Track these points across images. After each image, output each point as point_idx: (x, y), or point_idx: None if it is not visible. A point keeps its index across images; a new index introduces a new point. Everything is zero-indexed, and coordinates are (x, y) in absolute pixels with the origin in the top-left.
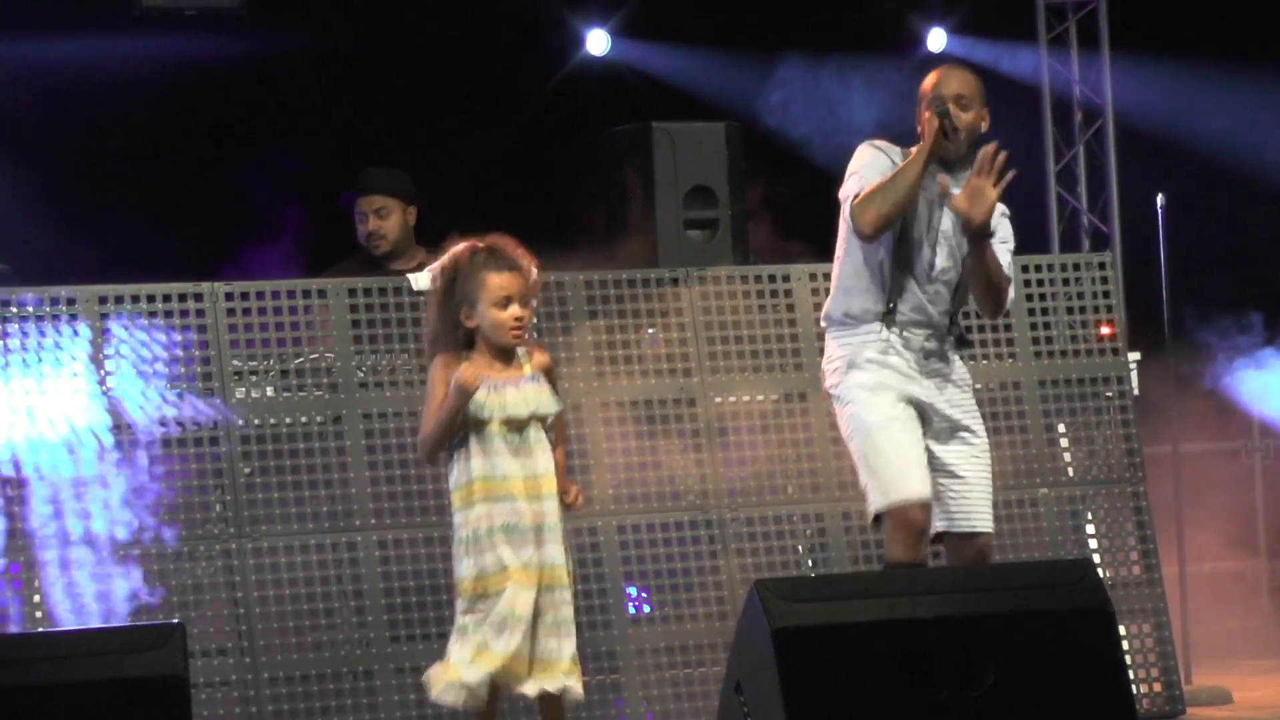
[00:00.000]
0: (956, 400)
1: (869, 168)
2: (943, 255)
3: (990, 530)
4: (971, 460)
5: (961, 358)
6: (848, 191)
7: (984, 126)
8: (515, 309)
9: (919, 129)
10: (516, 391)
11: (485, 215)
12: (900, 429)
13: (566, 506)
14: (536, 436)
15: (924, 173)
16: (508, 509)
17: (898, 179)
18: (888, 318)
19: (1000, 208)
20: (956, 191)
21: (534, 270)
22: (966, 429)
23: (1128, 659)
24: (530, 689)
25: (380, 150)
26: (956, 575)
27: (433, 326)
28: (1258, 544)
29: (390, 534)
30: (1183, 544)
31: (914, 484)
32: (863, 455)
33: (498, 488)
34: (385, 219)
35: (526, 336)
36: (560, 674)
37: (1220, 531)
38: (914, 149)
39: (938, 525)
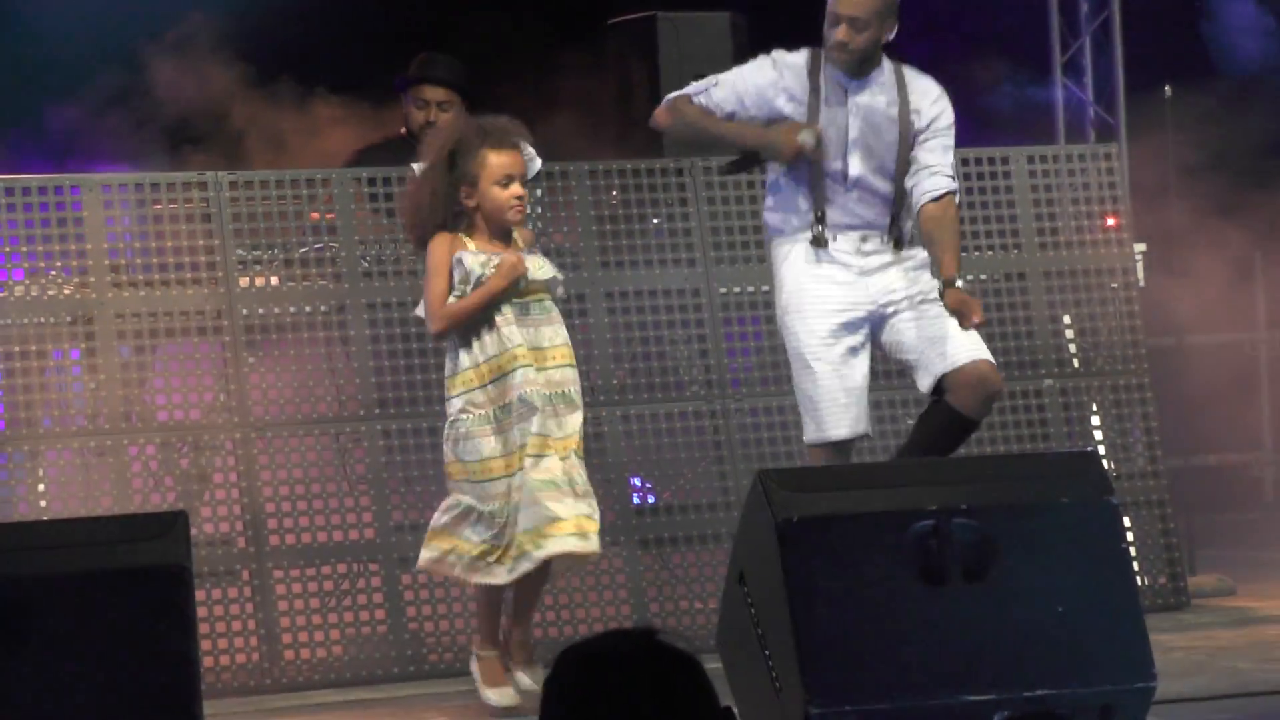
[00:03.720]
0: (908, 283)
1: (739, 78)
2: (855, 163)
3: (981, 356)
4: (938, 313)
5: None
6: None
7: (890, 36)
8: (516, 188)
9: (824, 36)
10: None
11: (487, 102)
12: (830, 366)
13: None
14: (544, 308)
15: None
16: (522, 379)
17: (710, 130)
18: (817, 226)
19: (933, 94)
20: (859, 99)
21: (532, 151)
22: (926, 298)
23: (1132, 551)
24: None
25: (384, 35)
26: (961, 466)
27: (425, 204)
28: (1262, 437)
29: (394, 424)
30: (1187, 436)
31: (840, 426)
32: (797, 384)
33: (513, 359)
34: (445, 112)
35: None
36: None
37: (1225, 424)
38: (810, 53)
39: (936, 371)
